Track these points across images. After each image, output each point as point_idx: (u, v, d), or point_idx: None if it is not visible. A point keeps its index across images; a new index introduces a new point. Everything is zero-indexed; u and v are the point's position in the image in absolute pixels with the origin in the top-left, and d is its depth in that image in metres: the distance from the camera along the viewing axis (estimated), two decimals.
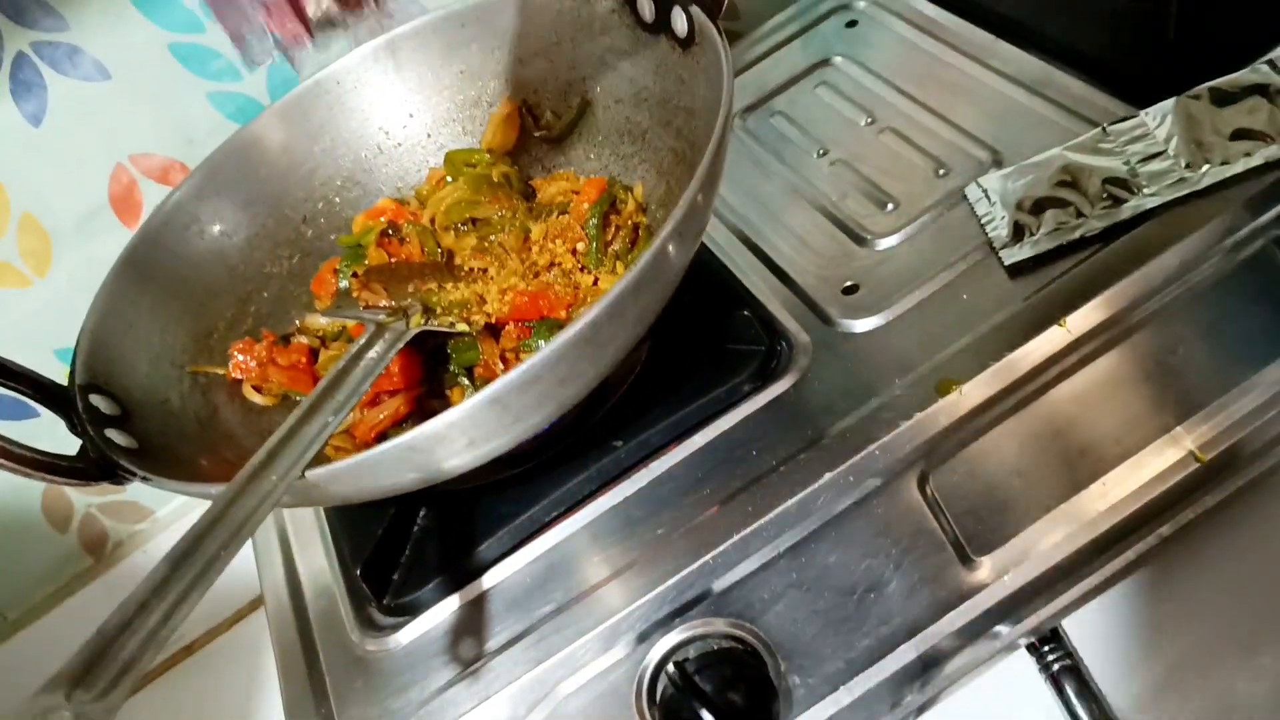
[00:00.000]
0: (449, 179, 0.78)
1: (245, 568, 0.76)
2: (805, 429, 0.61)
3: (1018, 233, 0.63)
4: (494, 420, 0.50)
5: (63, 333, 0.88)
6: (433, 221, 0.76)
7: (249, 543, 0.77)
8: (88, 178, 0.86)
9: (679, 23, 0.65)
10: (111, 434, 0.58)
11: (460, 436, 0.50)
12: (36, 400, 0.59)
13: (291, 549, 0.75)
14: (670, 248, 0.52)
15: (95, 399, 0.60)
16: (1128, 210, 0.61)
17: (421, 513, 0.67)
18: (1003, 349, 0.59)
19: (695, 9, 0.63)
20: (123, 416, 0.61)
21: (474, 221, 0.74)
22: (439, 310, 0.67)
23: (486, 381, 0.51)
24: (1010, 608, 0.63)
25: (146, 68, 0.82)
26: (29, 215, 0.84)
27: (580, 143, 0.78)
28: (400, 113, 0.81)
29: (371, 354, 0.60)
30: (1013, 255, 0.63)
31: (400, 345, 0.62)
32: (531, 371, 0.48)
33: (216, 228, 0.75)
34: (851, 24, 0.89)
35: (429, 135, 0.81)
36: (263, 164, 0.77)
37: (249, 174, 0.77)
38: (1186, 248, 0.59)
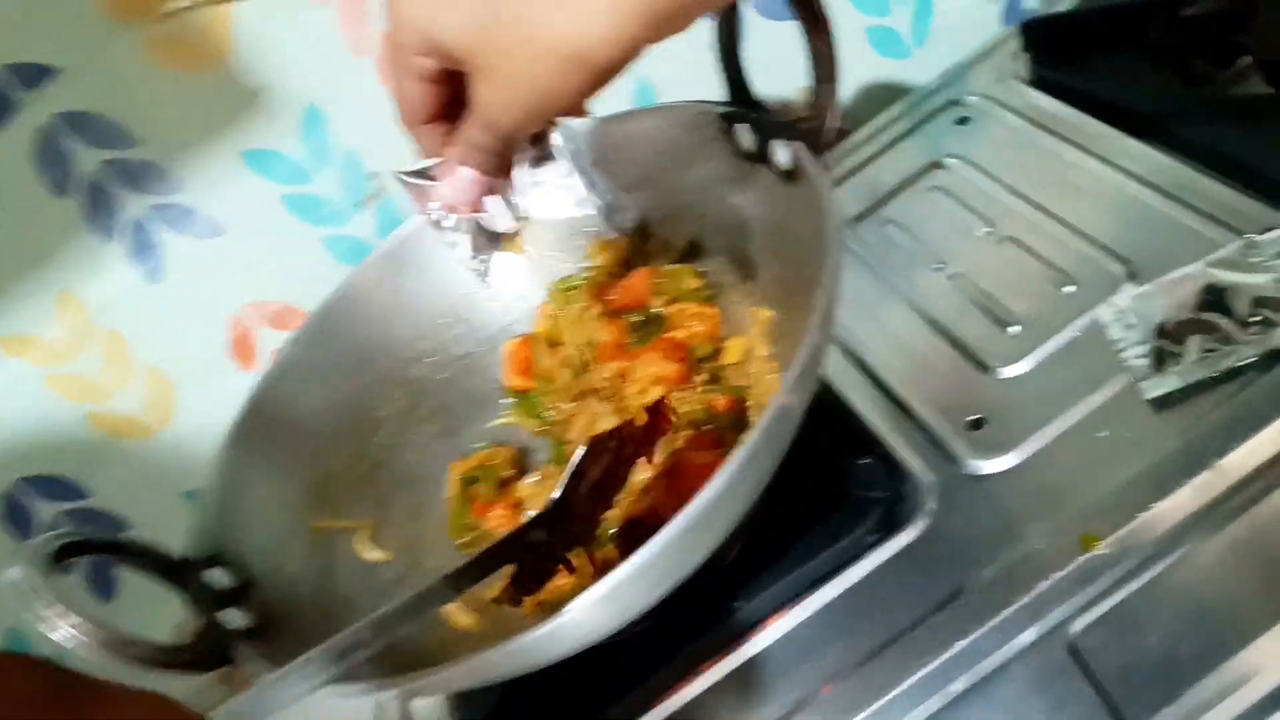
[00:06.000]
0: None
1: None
2: (939, 584, 0.57)
3: (1159, 361, 0.59)
4: (604, 612, 0.48)
5: (189, 476, 0.89)
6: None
7: None
8: (206, 328, 0.88)
9: (780, 155, 0.63)
10: (230, 613, 0.58)
11: (575, 630, 0.48)
12: (158, 577, 0.59)
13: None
14: (789, 401, 0.49)
15: (213, 574, 0.60)
16: None
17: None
18: (1149, 497, 0.54)
19: (797, 144, 0.61)
20: (240, 589, 0.61)
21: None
22: None
23: None
24: None
25: (259, 220, 0.85)
26: (152, 367, 0.87)
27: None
28: None
29: None
30: (1155, 388, 0.58)
31: None
32: (646, 559, 0.46)
33: (329, 376, 0.75)
34: (963, 121, 0.85)
35: (531, 265, 0.81)
36: (370, 307, 0.77)
37: (358, 318, 0.77)
38: None
